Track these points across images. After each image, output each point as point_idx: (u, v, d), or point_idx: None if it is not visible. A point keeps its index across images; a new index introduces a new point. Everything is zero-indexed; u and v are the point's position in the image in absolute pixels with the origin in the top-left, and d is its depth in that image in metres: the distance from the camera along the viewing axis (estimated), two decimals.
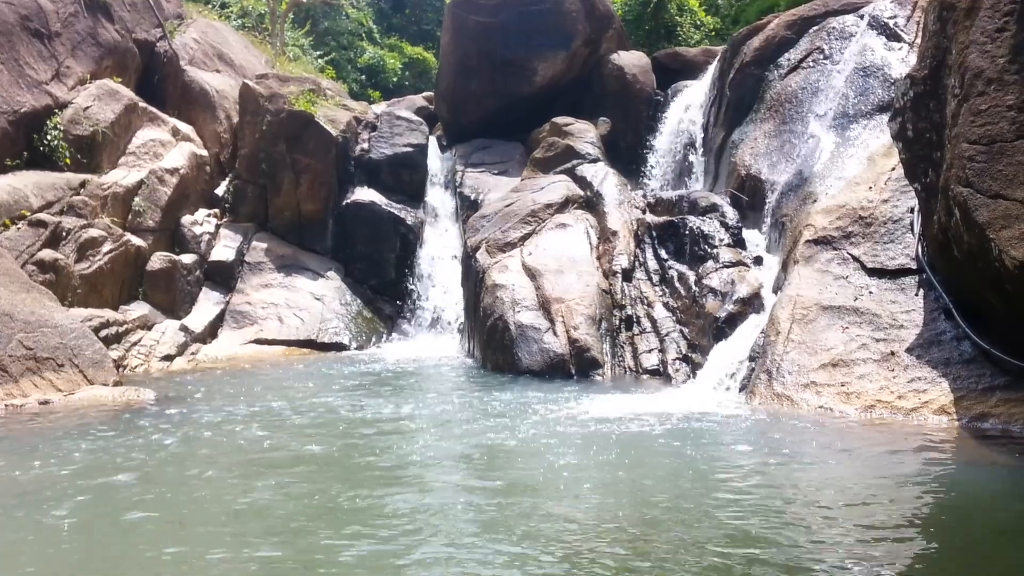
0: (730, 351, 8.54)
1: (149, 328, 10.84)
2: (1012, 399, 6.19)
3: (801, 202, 9.49)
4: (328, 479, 5.21)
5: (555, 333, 9.66)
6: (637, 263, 10.67)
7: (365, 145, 14.43)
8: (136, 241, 11.27)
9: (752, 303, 8.99)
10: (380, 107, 17.08)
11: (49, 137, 10.87)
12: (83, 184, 10.89)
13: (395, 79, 26.09)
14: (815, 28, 11.51)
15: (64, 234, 10.12)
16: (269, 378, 9.60)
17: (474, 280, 11.19)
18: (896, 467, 5.39)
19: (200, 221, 12.81)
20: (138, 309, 10.96)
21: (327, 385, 9.10)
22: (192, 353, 10.94)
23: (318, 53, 23.34)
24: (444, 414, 7.46)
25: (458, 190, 14.42)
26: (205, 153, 13.44)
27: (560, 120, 14.13)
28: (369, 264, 13.66)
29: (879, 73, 10.27)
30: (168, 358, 10.54)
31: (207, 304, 12.10)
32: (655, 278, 10.40)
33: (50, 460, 5.58)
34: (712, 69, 13.80)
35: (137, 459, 5.69)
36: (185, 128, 13.30)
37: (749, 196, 10.85)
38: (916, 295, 7.34)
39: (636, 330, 9.88)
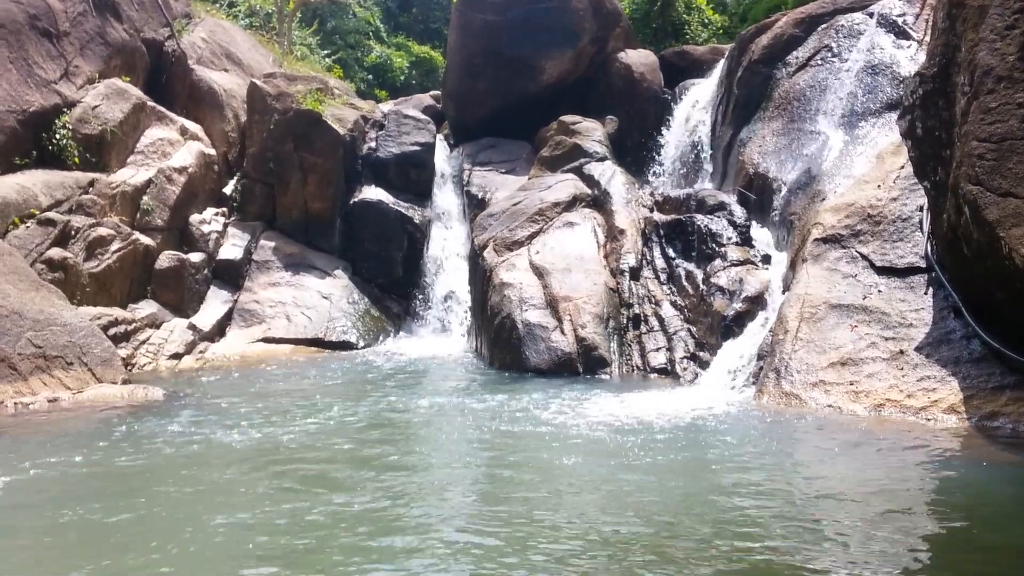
0: (738, 350, 8.53)
1: (157, 326, 10.87)
2: (1022, 398, 6.16)
3: (809, 200, 9.47)
4: (335, 479, 5.22)
5: (562, 332, 9.65)
6: (645, 262, 10.66)
7: (372, 144, 14.43)
8: (144, 240, 11.29)
9: (760, 302, 8.98)
10: (387, 106, 17.09)
11: (58, 136, 10.90)
12: (92, 183, 10.92)
13: (402, 78, 26.08)
14: (824, 26, 11.47)
15: (73, 233, 10.15)
16: (277, 377, 9.62)
17: (481, 278, 11.19)
18: (905, 466, 5.38)
19: (208, 220, 12.83)
20: (146, 308, 10.98)
21: (335, 384, 9.11)
22: (200, 352, 10.97)
23: (325, 52, 23.35)
24: (452, 414, 7.46)
25: (465, 189, 14.43)
26: (213, 152, 13.46)
27: (567, 118, 14.11)
28: (377, 263, 13.66)
29: (888, 71, 10.23)
30: (176, 356, 10.57)
31: (215, 303, 12.12)
32: (663, 276, 10.38)
33: (60, 459, 5.60)
34: (720, 67, 13.77)
35: (146, 458, 5.71)
36: (193, 127, 13.32)
37: (757, 194, 10.82)
38: (925, 294, 7.31)
39: (644, 329, 9.87)
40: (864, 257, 7.94)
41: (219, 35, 15.75)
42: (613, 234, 11.13)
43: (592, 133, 13.79)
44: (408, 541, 4.00)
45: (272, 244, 13.21)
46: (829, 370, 7.20)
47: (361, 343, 12.17)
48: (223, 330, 11.84)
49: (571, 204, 11.91)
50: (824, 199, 9.07)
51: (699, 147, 13.56)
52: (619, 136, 14.49)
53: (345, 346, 12.02)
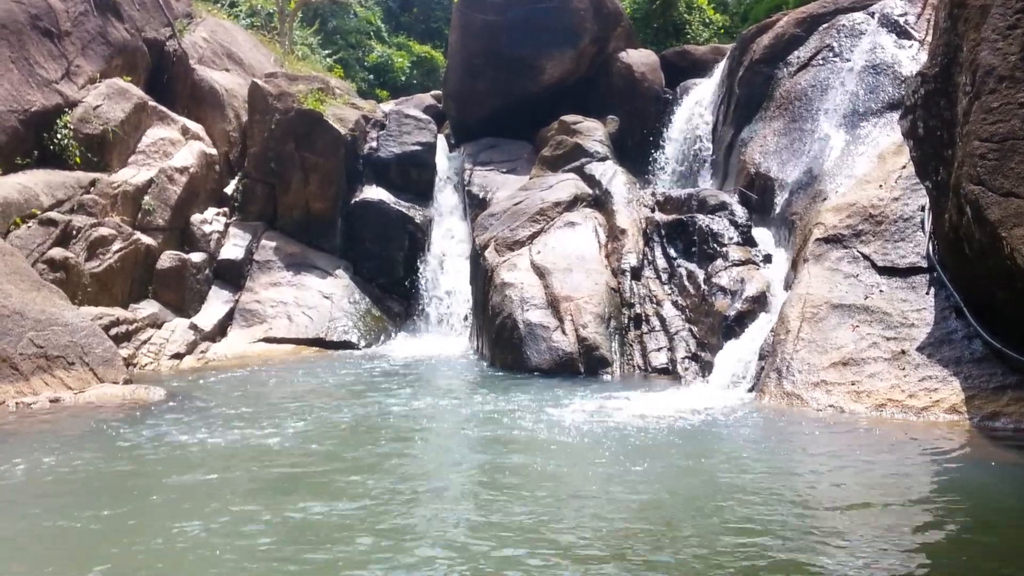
0: (740, 350, 8.52)
1: (159, 326, 10.87)
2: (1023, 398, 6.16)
3: (811, 200, 9.46)
4: (335, 481, 5.22)
5: (564, 332, 9.65)
6: (646, 261, 10.65)
7: (374, 144, 14.44)
8: (146, 240, 11.29)
9: (761, 302, 8.97)
10: (388, 106, 17.10)
11: (59, 136, 10.90)
12: (93, 183, 10.92)
13: (403, 78, 26.09)
14: (825, 26, 11.47)
15: (74, 233, 10.16)
16: (278, 377, 9.62)
17: (483, 278, 11.19)
18: (907, 466, 5.37)
19: (209, 220, 12.84)
20: (148, 307, 10.98)
21: (336, 384, 9.11)
22: (202, 352, 10.97)
23: (326, 52, 23.36)
24: (452, 415, 7.47)
25: (466, 188, 14.42)
26: (214, 152, 13.46)
27: (568, 118, 14.11)
28: (378, 262, 13.67)
29: (889, 71, 10.23)
30: (178, 356, 10.57)
31: (216, 302, 12.13)
32: (664, 276, 10.38)
33: (61, 459, 5.60)
34: (721, 67, 13.77)
35: (146, 459, 5.71)
36: (194, 127, 13.32)
37: (758, 194, 10.82)
38: (927, 293, 7.31)
39: (645, 328, 9.87)
40: (866, 257, 7.94)
41: (220, 35, 15.76)
42: (614, 234, 11.13)
43: (593, 133, 13.79)
44: (405, 545, 4.00)
45: (273, 244, 13.22)
46: (831, 370, 7.19)
47: (362, 343, 12.17)
48: (224, 330, 11.84)
49: (572, 204, 11.91)
50: (825, 199, 9.07)
51: (700, 147, 13.56)
52: (620, 136, 14.48)
53: (346, 346, 12.02)
